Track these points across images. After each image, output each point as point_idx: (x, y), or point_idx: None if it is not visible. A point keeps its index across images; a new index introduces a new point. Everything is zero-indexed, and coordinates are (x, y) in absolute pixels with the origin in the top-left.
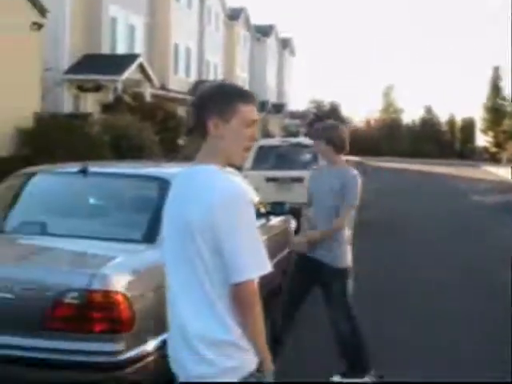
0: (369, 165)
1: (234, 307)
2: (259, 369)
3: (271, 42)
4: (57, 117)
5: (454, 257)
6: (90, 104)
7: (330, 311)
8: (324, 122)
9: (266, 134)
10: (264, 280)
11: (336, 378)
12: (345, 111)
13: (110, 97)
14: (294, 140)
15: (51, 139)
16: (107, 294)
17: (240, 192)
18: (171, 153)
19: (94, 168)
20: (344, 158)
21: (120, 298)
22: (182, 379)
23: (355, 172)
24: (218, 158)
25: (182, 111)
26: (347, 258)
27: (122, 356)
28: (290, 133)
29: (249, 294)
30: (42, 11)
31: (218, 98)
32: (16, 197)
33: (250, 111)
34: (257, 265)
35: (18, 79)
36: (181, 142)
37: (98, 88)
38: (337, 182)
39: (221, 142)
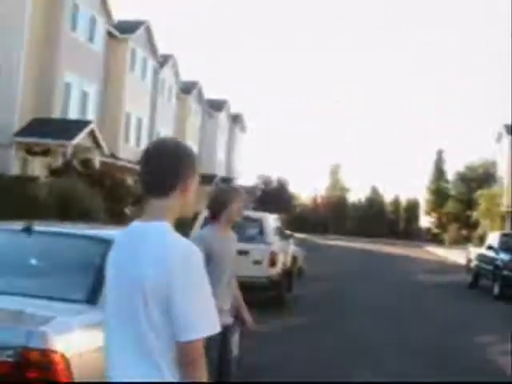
0: (314, 242)
1: (181, 366)
2: None
3: (222, 116)
4: (2, 178)
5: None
6: (38, 167)
7: None
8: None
9: None
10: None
11: None
12: (292, 188)
13: (59, 161)
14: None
15: None
16: (45, 352)
17: (194, 251)
18: (117, 221)
19: (38, 227)
20: (289, 234)
21: (58, 357)
22: None
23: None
24: (172, 214)
25: (130, 180)
26: None
27: None
28: None
29: (198, 351)
30: None
31: (192, 157)
32: None
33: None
34: (209, 325)
35: None
36: (127, 211)
37: (46, 152)
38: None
39: (182, 198)
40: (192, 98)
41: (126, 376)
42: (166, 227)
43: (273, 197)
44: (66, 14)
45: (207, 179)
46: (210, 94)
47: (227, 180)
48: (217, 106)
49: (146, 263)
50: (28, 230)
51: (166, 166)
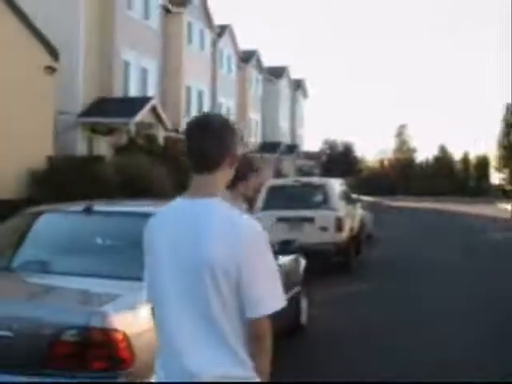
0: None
1: (248, 340)
2: None
3: (284, 83)
4: (69, 159)
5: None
6: (103, 146)
7: None
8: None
9: (279, 175)
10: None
11: None
12: (358, 151)
13: (123, 139)
14: (304, 180)
15: (63, 181)
16: (106, 331)
17: (260, 229)
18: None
19: (97, 207)
20: (356, 198)
21: (119, 335)
22: None
23: None
24: (220, 189)
25: None
26: None
27: None
28: (303, 173)
29: (265, 328)
30: (55, 55)
31: (231, 134)
32: (20, 236)
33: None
34: (274, 300)
35: (31, 123)
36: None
37: (110, 131)
38: None
39: (229, 172)
40: (251, 66)
41: (204, 362)
42: (225, 204)
43: (339, 161)
44: None
45: (271, 147)
46: (269, 61)
47: (292, 147)
48: (277, 73)
49: (215, 244)
50: (88, 211)
51: (212, 141)
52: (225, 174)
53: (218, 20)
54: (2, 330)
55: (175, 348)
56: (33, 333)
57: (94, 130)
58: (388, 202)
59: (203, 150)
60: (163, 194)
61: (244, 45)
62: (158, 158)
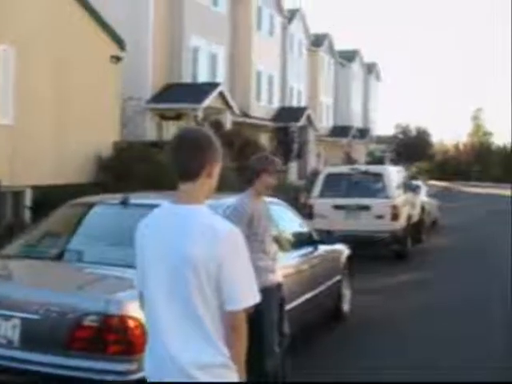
0: (456, 190)
1: (227, 331)
2: None
3: (356, 67)
4: (134, 145)
5: None
6: (172, 132)
7: None
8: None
9: (349, 160)
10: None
11: None
12: (432, 136)
13: (192, 124)
14: (361, 168)
15: (127, 167)
16: (122, 318)
17: (238, 232)
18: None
19: (134, 199)
20: (431, 182)
21: (134, 322)
22: None
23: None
24: (202, 197)
25: (264, 138)
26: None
27: (134, 376)
28: (375, 158)
29: (242, 320)
30: (121, 45)
31: (214, 145)
32: (62, 226)
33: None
34: (251, 295)
35: (98, 110)
36: None
37: (179, 116)
38: None
39: (207, 183)
40: (323, 50)
41: (188, 350)
42: (208, 210)
43: (411, 146)
44: None
45: (343, 131)
46: (340, 45)
47: (364, 131)
48: (349, 56)
49: (196, 244)
50: (124, 203)
51: (190, 154)
52: (205, 183)
53: (287, 4)
54: (30, 314)
55: (161, 338)
56: (57, 317)
57: (163, 115)
58: (460, 187)
59: (182, 163)
60: (226, 181)
61: (315, 28)
62: (225, 143)
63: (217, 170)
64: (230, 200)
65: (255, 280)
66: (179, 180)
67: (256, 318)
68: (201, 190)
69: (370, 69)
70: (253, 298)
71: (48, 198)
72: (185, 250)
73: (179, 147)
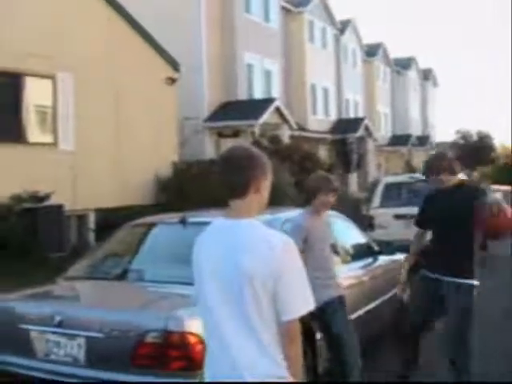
0: None
1: (282, 341)
2: None
3: (412, 74)
4: (192, 164)
5: None
6: None
7: None
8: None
9: (410, 168)
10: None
11: None
12: (496, 140)
13: (249, 141)
14: (419, 176)
15: (186, 186)
16: (183, 334)
17: (291, 241)
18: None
19: (192, 218)
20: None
21: (194, 338)
22: None
23: None
24: (254, 212)
25: (322, 150)
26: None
27: None
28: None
29: (296, 329)
30: (176, 66)
31: (257, 161)
32: (122, 247)
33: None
34: (306, 303)
35: (156, 131)
36: None
37: (236, 133)
38: None
39: (256, 198)
40: (378, 59)
41: (248, 361)
42: (259, 223)
43: (473, 151)
44: None
45: (402, 140)
46: (394, 53)
47: (423, 138)
48: (404, 64)
49: (252, 258)
50: (183, 222)
51: (234, 173)
52: (253, 198)
53: (339, 16)
54: (94, 332)
55: (224, 352)
56: (120, 335)
57: (221, 133)
58: None
59: (228, 182)
60: (286, 196)
61: (368, 39)
62: (283, 158)
63: (265, 184)
64: (287, 214)
65: (309, 288)
66: (228, 197)
67: (327, 338)
68: (250, 205)
69: (427, 75)
70: (307, 306)
71: (110, 220)
72: (239, 263)
73: (224, 167)
